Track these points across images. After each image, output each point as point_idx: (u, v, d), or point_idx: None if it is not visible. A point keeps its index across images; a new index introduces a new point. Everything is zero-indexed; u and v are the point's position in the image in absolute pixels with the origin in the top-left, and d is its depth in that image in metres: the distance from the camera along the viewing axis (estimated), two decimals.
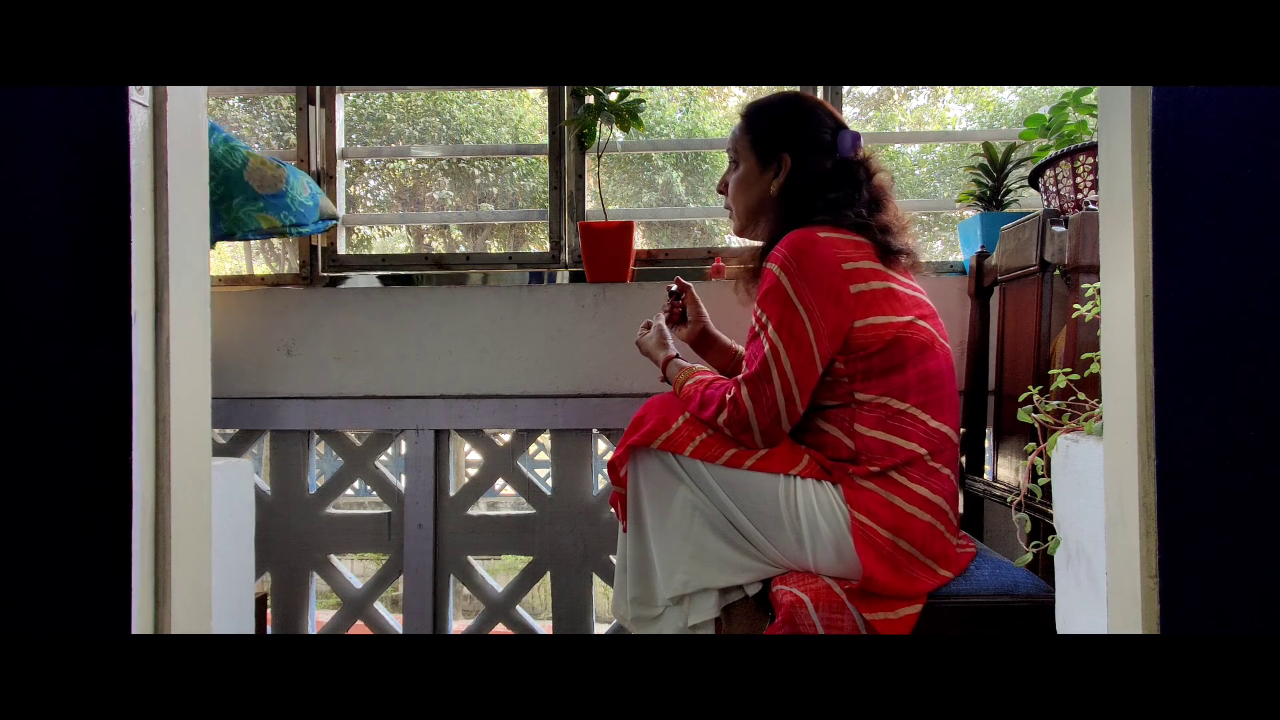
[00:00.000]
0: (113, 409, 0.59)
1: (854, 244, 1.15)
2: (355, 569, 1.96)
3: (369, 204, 8.82)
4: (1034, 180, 1.49)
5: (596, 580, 1.75)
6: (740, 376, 1.14)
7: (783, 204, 1.25)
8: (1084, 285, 1.06)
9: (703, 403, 1.16)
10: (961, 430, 1.32)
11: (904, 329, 1.13)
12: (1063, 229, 1.19)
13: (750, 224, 1.30)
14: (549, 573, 1.74)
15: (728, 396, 1.14)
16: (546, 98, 1.96)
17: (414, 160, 8.09)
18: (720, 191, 1.35)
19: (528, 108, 8.37)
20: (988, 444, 1.47)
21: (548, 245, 1.90)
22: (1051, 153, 1.42)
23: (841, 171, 1.23)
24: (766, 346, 1.11)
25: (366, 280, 1.97)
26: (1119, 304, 0.66)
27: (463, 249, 1.86)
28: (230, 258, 8.04)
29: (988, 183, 1.71)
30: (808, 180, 1.23)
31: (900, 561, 1.08)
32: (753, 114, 1.30)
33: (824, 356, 1.12)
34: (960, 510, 1.36)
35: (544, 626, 1.91)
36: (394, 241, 8.56)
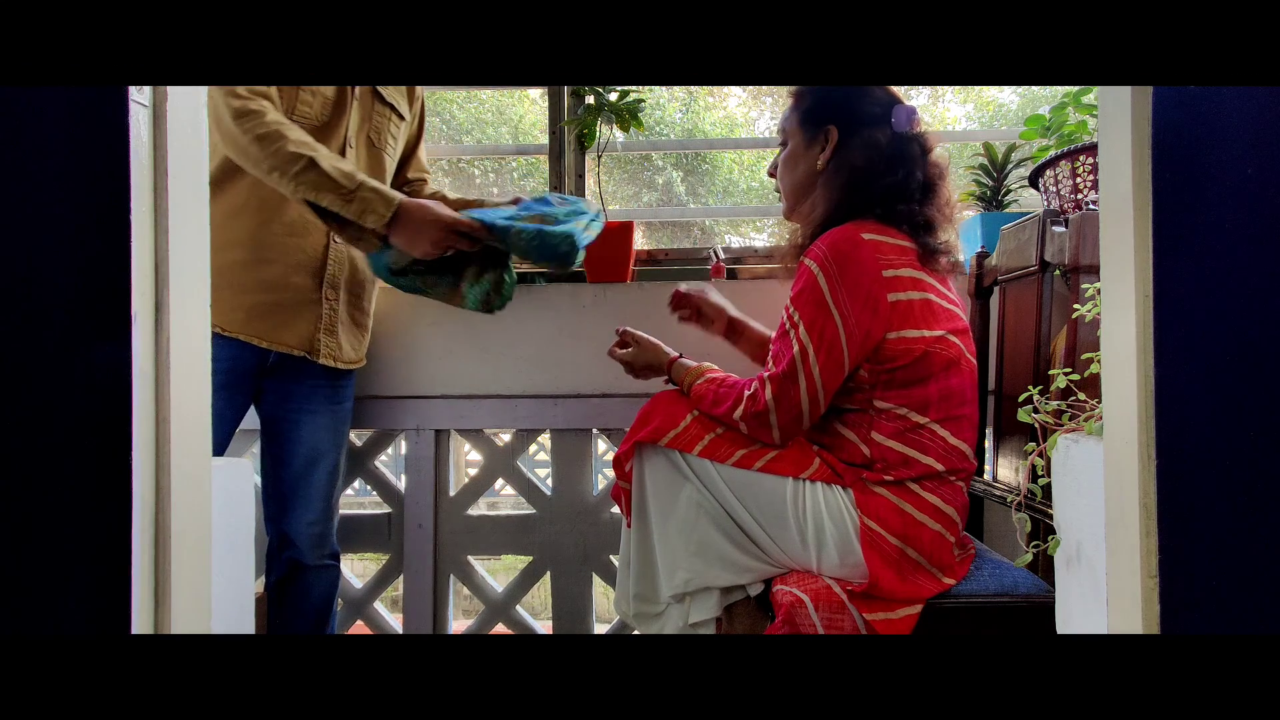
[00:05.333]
0: (113, 409, 0.59)
1: (898, 249, 1.13)
2: (355, 569, 1.96)
3: None
4: (1034, 180, 1.49)
5: (596, 580, 1.75)
6: (766, 374, 1.12)
7: (833, 181, 1.20)
8: (1084, 285, 1.06)
9: (716, 400, 1.15)
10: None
11: (934, 344, 1.11)
12: (1063, 229, 1.19)
13: (798, 204, 1.27)
14: (549, 573, 1.74)
15: (747, 393, 1.13)
16: (546, 98, 1.96)
17: None
18: (770, 175, 1.33)
19: (528, 108, 8.37)
20: (988, 444, 1.47)
21: None
22: (1051, 153, 1.42)
23: (896, 147, 1.18)
24: (796, 347, 1.10)
25: None
26: (1119, 304, 0.66)
27: None
28: None
29: (988, 183, 1.71)
30: (862, 156, 1.18)
31: (906, 569, 1.08)
32: (801, 90, 1.28)
33: (852, 362, 1.11)
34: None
35: (544, 626, 1.90)
36: None
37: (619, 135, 1.81)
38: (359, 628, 1.81)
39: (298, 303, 1.38)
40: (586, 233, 1.38)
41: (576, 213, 1.41)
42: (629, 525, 1.23)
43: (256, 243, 1.33)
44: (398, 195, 1.31)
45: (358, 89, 1.43)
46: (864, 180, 1.18)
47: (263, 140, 1.22)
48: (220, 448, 1.39)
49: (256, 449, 1.83)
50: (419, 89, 1.61)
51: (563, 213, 1.40)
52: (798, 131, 1.26)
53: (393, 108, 1.50)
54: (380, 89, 1.46)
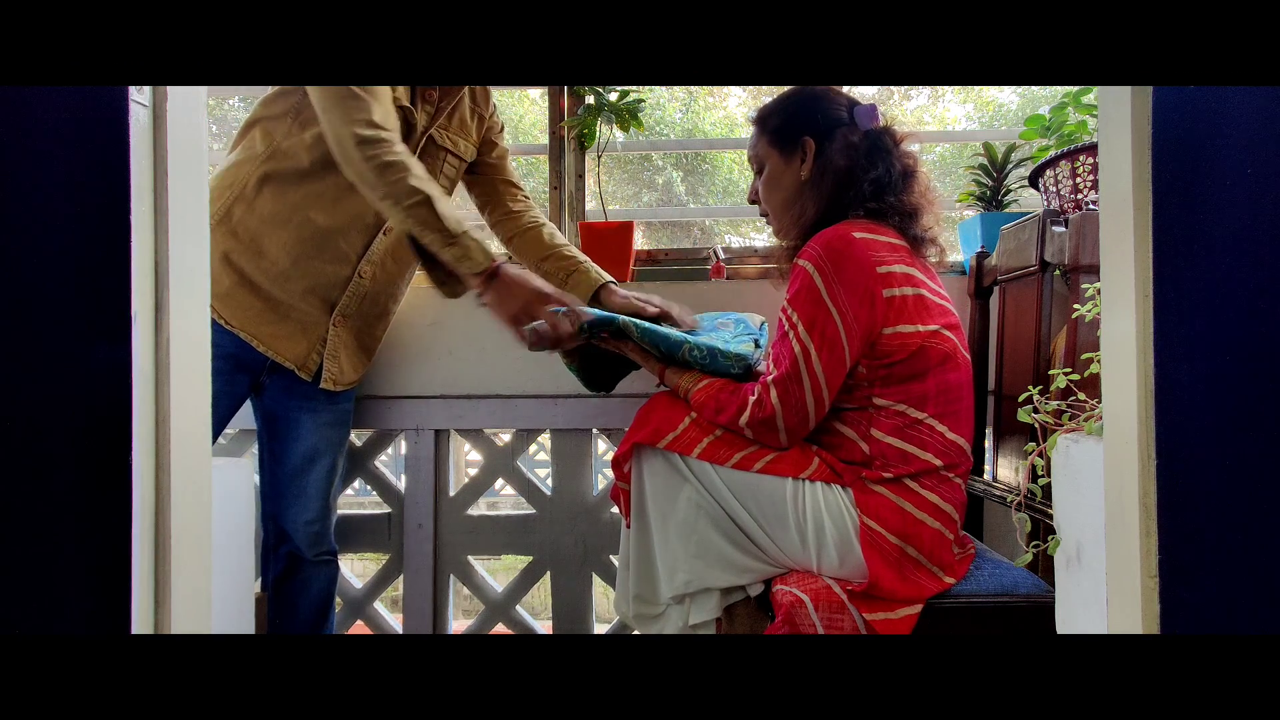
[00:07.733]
0: (113, 409, 0.59)
1: (890, 246, 1.14)
2: (355, 569, 1.96)
3: None
4: (1034, 180, 1.49)
5: (596, 580, 1.75)
6: (770, 378, 1.13)
7: (820, 185, 1.22)
8: (1084, 285, 1.06)
9: (718, 408, 1.15)
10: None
11: (929, 339, 1.12)
12: (1063, 229, 1.19)
13: (788, 220, 1.28)
14: (549, 573, 1.74)
15: (751, 399, 1.13)
16: (546, 98, 1.96)
17: None
18: (752, 201, 1.34)
19: (528, 108, 8.36)
20: (988, 444, 1.47)
21: None
22: (1051, 153, 1.42)
23: (871, 142, 1.22)
24: (798, 347, 1.11)
25: None
26: (1119, 304, 0.66)
27: None
28: None
29: (988, 183, 1.71)
30: (844, 157, 1.21)
31: (906, 568, 1.08)
32: (764, 115, 1.30)
33: (853, 358, 1.11)
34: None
35: (544, 626, 1.90)
36: None
37: (619, 135, 1.81)
38: (359, 628, 1.81)
39: (304, 323, 1.39)
40: (756, 353, 1.30)
41: (746, 332, 1.34)
42: (628, 526, 1.23)
43: (286, 256, 1.35)
44: (498, 256, 1.31)
45: (421, 140, 1.43)
46: (851, 179, 1.20)
47: (386, 169, 1.23)
48: (219, 425, 1.40)
49: (256, 449, 1.83)
50: (489, 128, 1.59)
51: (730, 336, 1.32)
52: (772, 153, 1.28)
53: (449, 151, 1.50)
54: (434, 135, 1.45)
